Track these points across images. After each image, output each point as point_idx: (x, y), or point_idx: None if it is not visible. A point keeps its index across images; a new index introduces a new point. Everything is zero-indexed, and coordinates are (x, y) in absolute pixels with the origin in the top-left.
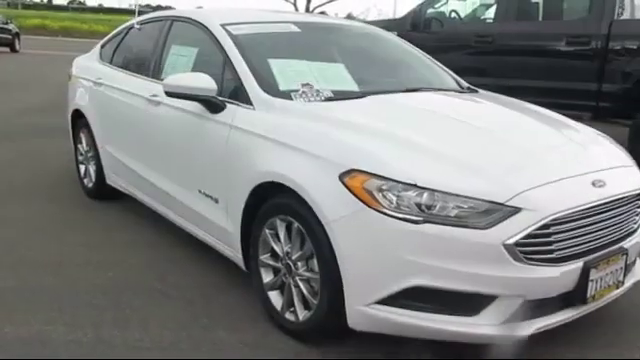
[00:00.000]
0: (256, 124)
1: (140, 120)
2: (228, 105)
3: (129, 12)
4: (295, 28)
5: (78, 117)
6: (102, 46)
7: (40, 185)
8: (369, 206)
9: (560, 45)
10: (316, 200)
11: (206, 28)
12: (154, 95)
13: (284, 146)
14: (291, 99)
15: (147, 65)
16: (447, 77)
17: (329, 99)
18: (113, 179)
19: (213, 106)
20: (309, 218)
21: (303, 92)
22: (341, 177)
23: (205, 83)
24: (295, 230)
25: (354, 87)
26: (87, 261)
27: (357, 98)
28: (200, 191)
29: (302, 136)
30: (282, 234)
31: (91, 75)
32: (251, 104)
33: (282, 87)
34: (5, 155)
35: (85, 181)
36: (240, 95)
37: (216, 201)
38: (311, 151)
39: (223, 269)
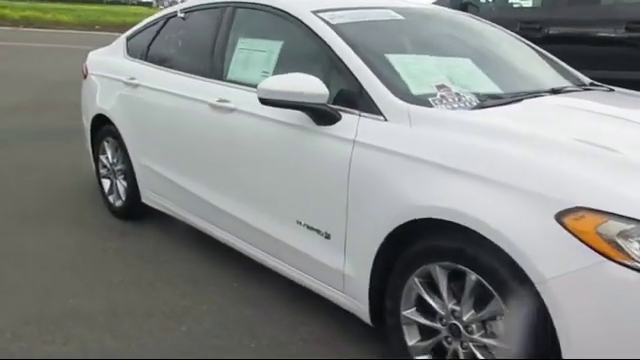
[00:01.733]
0: (396, 140)
1: (200, 130)
2: (344, 115)
3: (92, 2)
4: (396, 15)
5: (100, 123)
6: (129, 39)
7: (54, 205)
8: (610, 258)
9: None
10: (522, 249)
11: (292, 16)
12: (222, 100)
13: (451, 172)
14: (430, 106)
15: (203, 63)
16: (568, 71)
17: (480, 105)
18: (152, 198)
19: (323, 116)
20: (503, 271)
21: (442, 97)
22: (559, 217)
23: (315, 87)
24: (471, 283)
25: (495, 88)
26: (148, 310)
27: (510, 103)
28: (300, 222)
29: (479, 158)
30: (443, 286)
31: (119, 74)
32: (380, 113)
33: (414, 90)
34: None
35: (111, 199)
36: (361, 102)
37: (326, 236)
38: (503, 180)
39: (330, 318)
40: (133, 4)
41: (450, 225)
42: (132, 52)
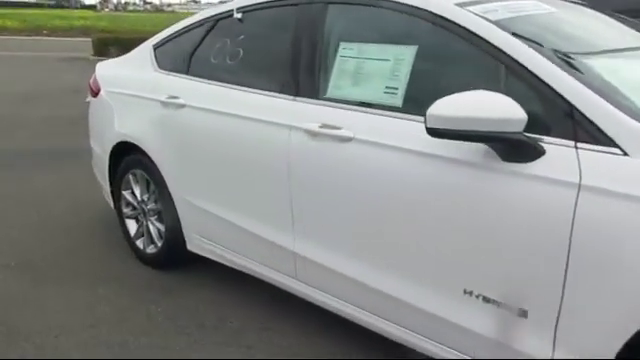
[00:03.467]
0: None
1: (284, 165)
2: (548, 147)
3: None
4: (547, 6)
5: (122, 152)
6: (156, 47)
7: (66, 253)
8: None
9: None
10: None
11: (429, 12)
12: (328, 126)
13: None
14: None
15: (282, 76)
16: None
17: None
18: (203, 245)
19: (517, 150)
20: None
21: None
22: None
23: (508, 110)
24: None
25: None
26: None
27: None
28: (471, 293)
29: None
30: None
31: (151, 91)
32: (613, 144)
33: None
34: None
35: (139, 243)
36: (574, 128)
37: (521, 314)
38: None
39: None
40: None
41: None
42: (164, 64)
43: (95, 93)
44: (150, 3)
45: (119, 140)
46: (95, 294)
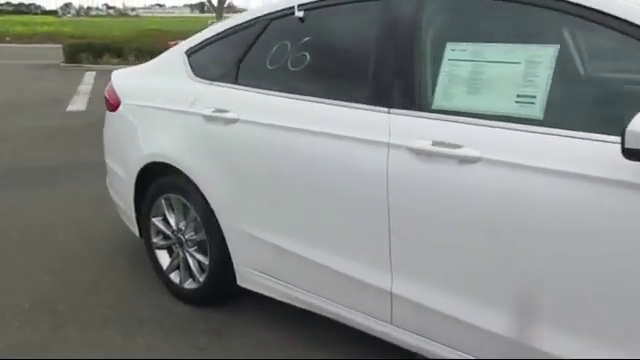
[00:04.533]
0: None
1: (391, 190)
2: None
3: None
4: None
5: (155, 173)
6: (190, 54)
7: (82, 288)
8: None
9: None
10: None
11: (573, 3)
12: (443, 144)
13: None
14: None
15: (368, 86)
16: None
17: None
18: (257, 279)
19: None
20: None
21: None
22: None
23: None
24: None
25: None
26: None
27: None
28: None
29: None
30: None
31: (190, 104)
32: None
33: None
34: None
35: (174, 277)
36: None
37: None
38: None
39: None
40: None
41: None
42: (202, 73)
43: (113, 106)
44: (113, 8)
45: (149, 161)
46: (131, 340)
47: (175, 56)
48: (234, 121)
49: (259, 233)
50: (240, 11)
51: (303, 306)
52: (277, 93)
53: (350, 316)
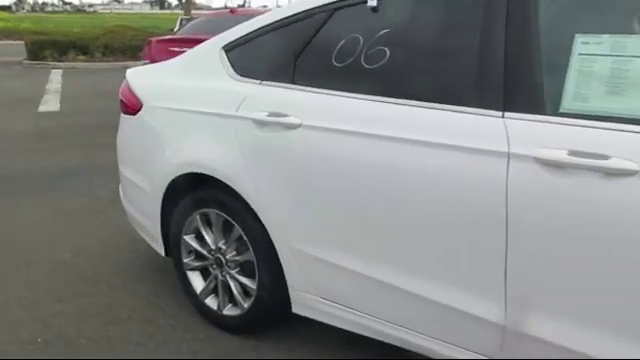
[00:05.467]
0: None
1: (512, 207)
2: None
3: None
4: None
5: (187, 186)
6: (229, 49)
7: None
8: None
9: None
10: None
11: None
12: (586, 155)
13: None
14: None
15: (472, 85)
16: None
17: None
18: (322, 308)
19: None
20: None
21: None
22: None
23: None
24: None
25: None
26: None
27: None
28: None
29: None
30: None
31: (234, 107)
32: None
33: None
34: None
35: (211, 302)
36: None
37: None
38: None
39: None
40: None
41: None
42: (246, 71)
43: (132, 109)
44: (69, 4)
45: (183, 172)
46: None
47: (209, 52)
48: (295, 126)
49: (326, 255)
50: (201, 8)
51: (375, 336)
52: (350, 94)
53: (445, 351)
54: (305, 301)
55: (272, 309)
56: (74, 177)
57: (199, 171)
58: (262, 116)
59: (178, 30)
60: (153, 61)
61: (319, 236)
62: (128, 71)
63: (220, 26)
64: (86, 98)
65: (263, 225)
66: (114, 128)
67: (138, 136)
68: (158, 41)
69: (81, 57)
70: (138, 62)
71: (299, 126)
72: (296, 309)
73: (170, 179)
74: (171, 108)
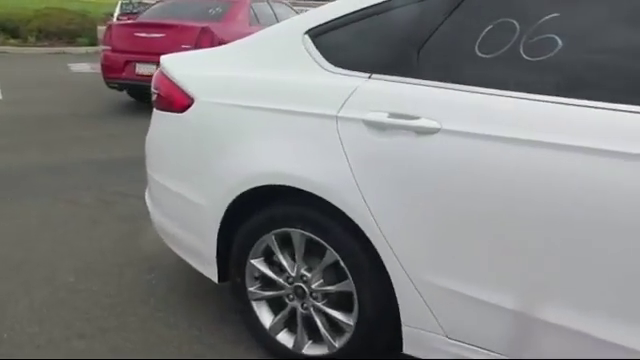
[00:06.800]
0: None
1: None
2: None
3: None
4: None
5: (262, 200)
6: (317, 35)
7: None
8: None
9: None
10: None
11: None
12: None
13: None
14: None
15: None
16: None
17: None
18: (445, 347)
19: None
20: None
21: None
22: None
23: None
24: None
25: None
26: None
27: None
28: None
29: None
30: None
31: (335, 105)
32: None
33: None
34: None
35: (285, 339)
36: None
37: None
38: None
39: None
40: None
41: None
42: (344, 61)
43: (178, 105)
44: None
45: (258, 184)
46: None
47: (287, 38)
48: (432, 131)
49: (469, 289)
50: None
51: None
52: (505, 92)
53: None
54: (424, 340)
55: (372, 349)
56: (49, 179)
57: (282, 183)
58: (380, 117)
59: (120, 15)
60: (115, 48)
61: (462, 267)
62: (164, 58)
63: (191, 10)
64: (30, 87)
65: (373, 250)
66: (76, 120)
67: (186, 139)
68: (120, 26)
69: (12, 41)
70: (79, 48)
71: (437, 131)
72: (410, 349)
73: (237, 193)
74: (237, 105)
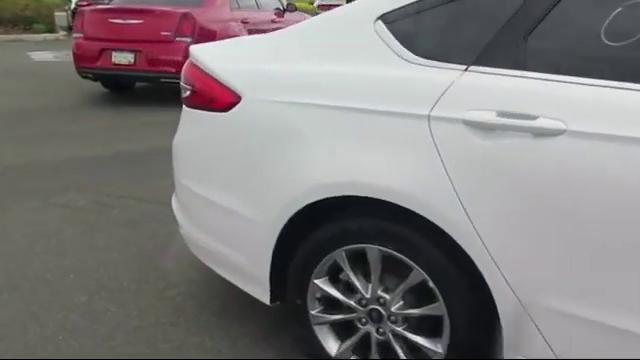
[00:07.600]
0: None
1: None
2: None
3: None
4: None
5: (330, 213)
6: (392, 20)
7: None
8: None
9: None
10: None
11: None
12: None
13: None
14: None
15: None
16: None
17: None
18: None
19: None
20: None
21: None
22: None
23: None
24: None
25: None
26: None
27: None
28: None
29: None
30: None
31: (428, 103)
32: None
33: None
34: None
35: None
36: None
37: None
38: None
39: None
40: None
41: None
42: (433, 52)
43: (219, 103)
44: None
45: (328, 195)
46: None
47: (354, 25)
48: (555, 133)
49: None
50: None
51: None
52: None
53: None
54: None
55: None
56: (33, 180)
57: (362, 194)
58: (486, 117)
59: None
60: (88, 35)
61: (588, 290)
62: (194, 49)
63: None
64: None
65: (473, 270)
66: (50, 114)
67: (231, 143)
68: (93, 11)
69: None
70: (36, 35)
71: (562, 132)
72: None
73: (301, 205)
74: (297, 103)
